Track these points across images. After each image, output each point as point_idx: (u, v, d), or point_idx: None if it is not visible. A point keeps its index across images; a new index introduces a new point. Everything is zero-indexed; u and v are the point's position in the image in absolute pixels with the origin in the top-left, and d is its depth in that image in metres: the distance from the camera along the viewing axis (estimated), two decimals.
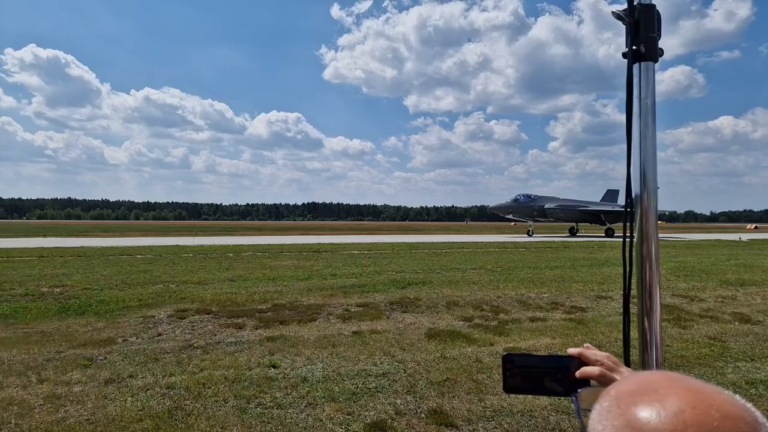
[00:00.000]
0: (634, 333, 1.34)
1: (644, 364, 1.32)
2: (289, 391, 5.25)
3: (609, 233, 43.00)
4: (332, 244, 29.88)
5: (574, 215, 45.44)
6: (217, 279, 13.75)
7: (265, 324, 8.36)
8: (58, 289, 11.73)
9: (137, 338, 7.48)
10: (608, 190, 50.03)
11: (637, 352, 1.34)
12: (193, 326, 8.27)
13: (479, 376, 5.77)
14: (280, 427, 4.38)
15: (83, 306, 9.78)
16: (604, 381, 1.00)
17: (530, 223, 43.98)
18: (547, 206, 43.71)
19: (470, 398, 5.08)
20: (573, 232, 46.88)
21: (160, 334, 7.71)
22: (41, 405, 4.85)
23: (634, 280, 1.32)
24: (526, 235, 41.81)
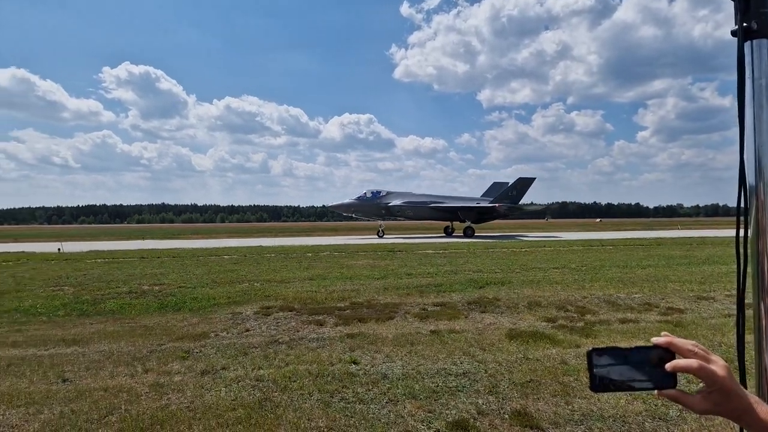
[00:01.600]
0: (748, 336, 1.24)
1: (761, 369, 1.22)
2: (370, 387, 5.38)
3: (467, 233, 38.73)
4: (406, 243, 30.09)
5: (426, 213, 40.64)
6: (298, 278, 14.36)
7: (345, 321, 8.61)
8: (157, 287, 12.88)
9: (228, 333, 8.03)
10: (494, 182, 45.57)
11: (752, 357, 1.24)
12: (278, 323, 8.72)
13: (565, 378, 5.55)
14: (363, 421, 4.51)
15: (179, 303, 10.66)
16: (703, 375, 0.93)
17: (381, 222, 40.12)
18: (392, 204, 39.50)
19: (556, 401, 4.91)
20: (448, 232, 42.41)
21: (247, 330, 8.22)
22: (147, 392, 5.36)
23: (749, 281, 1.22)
24: (376, 236, 38.25)
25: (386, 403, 4.94)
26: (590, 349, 1.00)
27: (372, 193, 39.90)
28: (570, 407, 4.74)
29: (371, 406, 4.86)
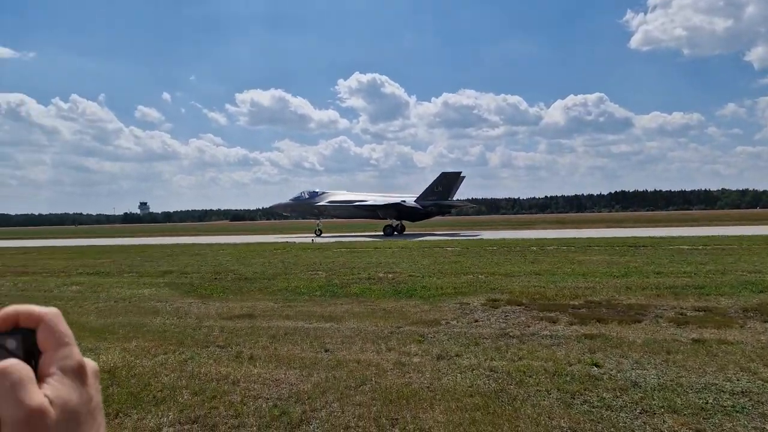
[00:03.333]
0: None
1: None
2: (618, 393, 4.94)
3: (387, 231, 37.62)
4: (651, 237, 26.48)
5: (351, 212, 40.32)
6: (523, 272, 14.10)
7: (581, 320, 8.10)
8: (390, 275, 14.31)
9: (457, 322, 8.42)
10: (443, 172, 39.01)
11: None
12: (506, 316, 8.74)
13: None
14: (612, 429, 4.19)
15: (410, 290, 11.63)
16: None
17: (318, 222, 40.57)
18: (320, 203, 39.96)
19: None
20: (387, 233, 38.44)
21: (476, 321, 8.47)
22: (391, 369, 6.01)
23: None
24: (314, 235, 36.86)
25: (639, 413, 4.47)
26: None
27: (309, 193, 41.07)
28: None
29: (621, 414, 4.47)
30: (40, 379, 0.48)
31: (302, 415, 4.72)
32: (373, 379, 5.68)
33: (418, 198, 39.17)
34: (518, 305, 9.57)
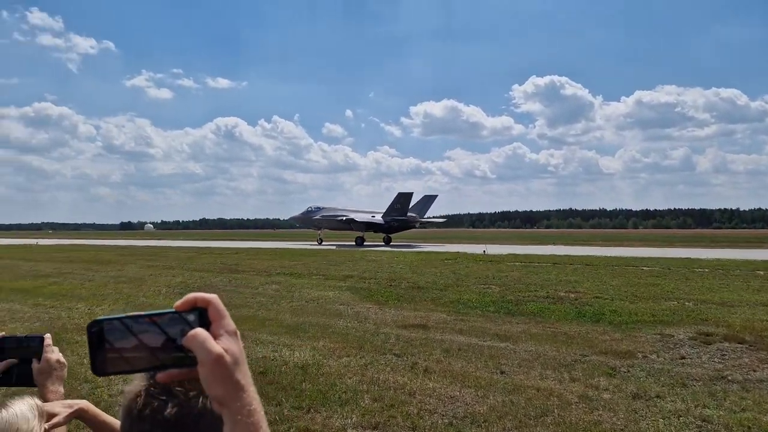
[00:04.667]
0: None
1: None
2: None
3: (357, 242, 44.70)
4: None
5: (335, 224, 47.77)
6: (746, 301, 11.87)
7: None
8: (572, 295, 13.34)
9: (657, 356, 7.44)
10: (399, 193, 45.72)
11: None
12: (723, 355, 7.44)
13: None
14: None
15: (597, 314, 10.67)
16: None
17: (318, 232, 48.61)
18: (315, 217, 49.31)
19: None
20: (358, 243, 45.00)
21: (682, 357, 7.37)
22: (576, 402, 5.57)
23: None
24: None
25: None
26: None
27: (315, 208, 50.18)
28: None
29: None
30: (214, 338, 0.76)
31: None
32: (555, 411, 5.33)
33: (383, 215, 46.02)
34: (739, 342, 8.07)
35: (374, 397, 5.77)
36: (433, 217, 56.24)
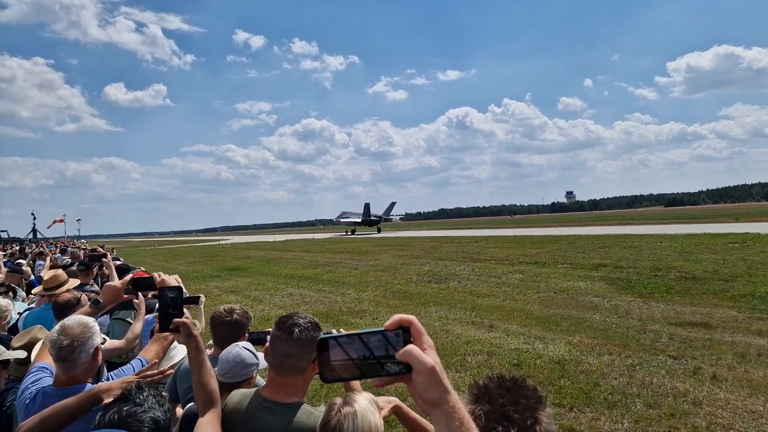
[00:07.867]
0: None
1: None
2: None
3: (347, 233, 72.77)
4: None
5: (346, 224, 77.78)
6: None
7: None
8: None
9: None
10: (366, 203, 73.42)
11: None
12: None
13: None
14: None
15: None
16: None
17: (347, 230, 76.83)
18: (341, 219, 79.51)
19: None
20: (348, 233, 71.67)
21: None
22: None
23: None
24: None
25: None
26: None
27: (343, 213, 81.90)
28: None
29: None
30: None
31: None
32: None
33: (362, 217, 73.33)
34: None
35: (648, 402, 5.24)
36: (394, 215, 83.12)
